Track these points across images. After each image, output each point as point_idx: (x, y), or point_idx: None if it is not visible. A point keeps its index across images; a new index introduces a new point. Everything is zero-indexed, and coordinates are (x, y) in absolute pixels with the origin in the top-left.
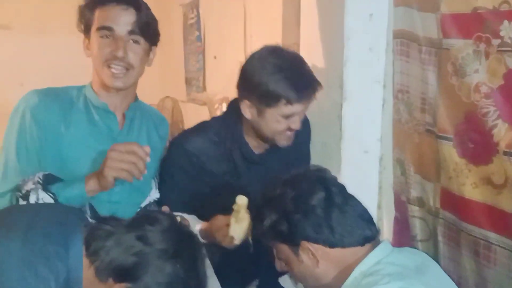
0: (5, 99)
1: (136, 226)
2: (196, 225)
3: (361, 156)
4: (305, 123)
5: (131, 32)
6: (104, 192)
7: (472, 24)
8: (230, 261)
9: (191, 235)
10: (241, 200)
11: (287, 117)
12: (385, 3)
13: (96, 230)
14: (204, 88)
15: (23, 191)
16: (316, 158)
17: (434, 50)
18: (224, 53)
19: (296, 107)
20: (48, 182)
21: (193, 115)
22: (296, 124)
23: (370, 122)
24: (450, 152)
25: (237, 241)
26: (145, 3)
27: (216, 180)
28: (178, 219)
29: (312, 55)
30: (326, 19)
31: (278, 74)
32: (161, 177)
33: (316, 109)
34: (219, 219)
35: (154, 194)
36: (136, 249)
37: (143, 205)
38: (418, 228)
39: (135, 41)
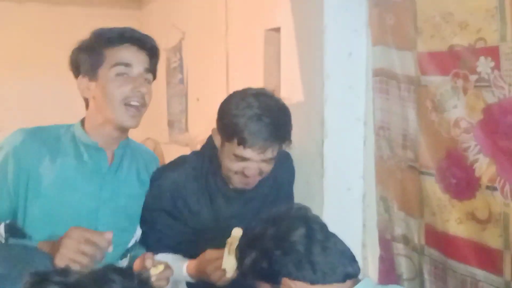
0: None
1: None
2: (183, 264)
3: (344, 194)
4: (288, 163)
5: (146, 71)
6: None
7: (449, 61)
8: None
9: None
10: (236, 233)
11: (240, 159)
12: (363, 42)
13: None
14: (187, 129)
15: None
16: (299, 196)
17: (413, 87)
18: (206, 95)
19: (248, 153)
20: (11, 233)
21: (175, 157)
22: (249, 171)
23: (352, 159)
24: (433, 187)
25: (229, 274)
26: (156, 45)
27: (194, 216)
28: (133, 282)
29: (293, 93)
30: (306, 59)
31: (243, 113)
32: (141, 216)
33: (297, 147)
34: (210, 253)
35: (139, 233)
36: None
37: (130, 244)
38: (403, 266)
39: (148, 80)
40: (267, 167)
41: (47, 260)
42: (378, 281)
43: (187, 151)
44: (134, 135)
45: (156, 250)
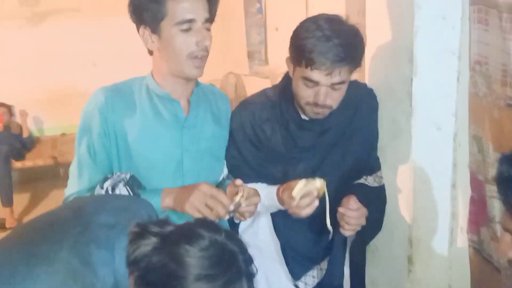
0: (79, 79)
1: (175, 244)
2: (267, 191)
3: (433, 133)
4: (369, 98)
5: (207, 20)
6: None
7: None
8: (295, 244)
9: (232, 255)
10: (321, 182)
11: (309, 83)
12: None
13: (138, 238)
14: (267, 61)
15: (107, 187)
16: (385, 136)
17: None
18: (286, 25)
19: (316, 74)
20: (132, 184)
21: (257, 89)
22: (319, 97)
23: (444, 97)
24: None
25: (295, 202)
26: None
27: (271, 144)
28: (220, 236)
29: (379, 25)
30: None
31: (312, 35)
32: (227, 148)
33: (384, 84)
34: (291, 182)
35: (225, 170)
36: (170, 270)
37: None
38: (496, 209)
39: (208, 29)
40: (337, 94)
41: (151, 210)
42: (469, 223)
43: (268, 83)
44: (216, 67)
45: (244, 177)
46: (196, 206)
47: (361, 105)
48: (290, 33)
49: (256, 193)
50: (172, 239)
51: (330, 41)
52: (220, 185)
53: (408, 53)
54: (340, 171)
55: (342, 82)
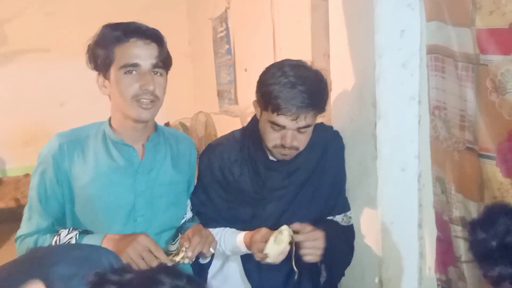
0: (46, 119)
1: None
2: (237, 236)
3: (398, 174)
4: (336, 140)
5: (155, 66)
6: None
7: (510, 39)
8: (266, 286)
9: None
10: (285, 227)
11: (276, 127)
12: (416, 18)
13: (98, 286)
14: (236, 101)
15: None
16: (353, 177)
17: (471, 66)
18: (254, 65)
19: (282, 120)
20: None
21: (226, 127)
22: (285, 140)
23: (407, 140)
24: (494, 171)
25: (270, 260)
26: (164, 37)
27: (239, 185)
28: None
29: (343, 70)
30: (356, 37)
31: (278, 81)
32: (194, 192)
33: (350, 127)
34: (260, 233)
35: (188, 214)
36: None
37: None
38: (462, 249)
39: (158, 74)
40: (303, 137)
41: (113, 258)
42: (436, 262)
43: (237, 122)
44: (186, 106)
45: (212, 222)
46: (131, 257)
47: (328, 146)
48: (259, 74)
49: (208, 240)
50: (132, 287)
51: (295, 88)
52: (180, 229)
53: (371, 97)
54: (309, 212)
55: (307, 126)
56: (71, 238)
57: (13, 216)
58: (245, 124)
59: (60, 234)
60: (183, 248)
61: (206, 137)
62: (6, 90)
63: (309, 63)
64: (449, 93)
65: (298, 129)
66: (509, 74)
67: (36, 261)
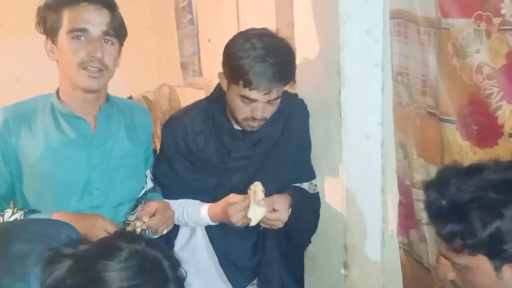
0: (1, 94)
1: (91, 262)
2: (202, 208)
3: (362, 141)
4: (301, 108)
5: (105, 33)
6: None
7: (471, 3)
8: (233, 256)
9: (154, 262)
10: (258, 185)
11: (246, 101)
12: None
13: (51, 263)
14: (200, 72)
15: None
16: (317, 146)
17: (433, 31)
18: (218, 36)
19: (254, 94)
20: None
21: (191, 100)
22: (256, 112)
23: (370, 107)
24: (454, 135)
25: (254, 223)
26: (116, 4)
27: (204, 155)
28: (140, 245)
29: (307, 38)
30: (320, 3)
31: (247, 55)
32: (157, 164)
33: (315, 95)
34: (233, 197)
35: (149, 184)
36: None
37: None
38: (423, 212)
39: (109, 42)
40: (272, 108)
41: (73, 231)
42: (398, 225)
43: (202, 94)
44: (149, 79)
45: (175, 194)
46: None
47: (292, 114)
48: (223, 44)
49: (163, 212)
50: (88, 257)
51: (266, 61)
52: (141, 200)
53: (336, 65)
54: (275, 180)
55: (278, 98)
56: (15, 219)
57: None
58: None
59: (4, 215)
60: (141, 221)
61: (170, 110)
62: None
63: (273, 31)
64: (411, 59)
65: (269, 101)
66: (469, 37)
67: None
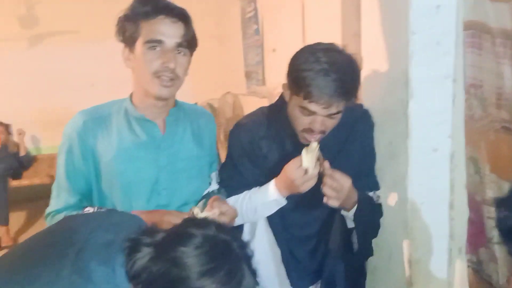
0: (77, 99)
1: (170, 249)
2: (268, 185)
3: (430, 154)
4: (365, 118)
5: (179, 45)
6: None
7: None
8: (296, 258)
9: (226, 245)
10: (314, 144)
11: (306, 113)
12: None
13: (133, 252)
14: (264, 81)
15: None
16: (382, 157)
17: (510, 42)
18: (283, 46)
19: (313, 107)
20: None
21: (254, 108)
22: (314, 124)
23: (440, 119)
24: None
25: (310, 170)
26: (190, 17)
27: (269, 162)
28: (211, 229)
29: (375, 49)
30: (389, 13)
31: (311, 68)
32: (224, 167)
33: (380, 106)
34: (291, 161)
35: (213, 186)
36: (173, 276)
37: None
38: (494, 230)
39: (181, 53)
40: (332, 122)
41: (143, 224)
42: (467, 243)
43: (265, 103)
44: (214, 87)
45: (239, 192)
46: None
47: (356, 125)
48: (287, 54)
49: (230, 212)
50: (165, 245)
51: (329, 75)
52: (205, 197)
53: (404, 76)
54: None
55: (338, 112)
56: (93, 211)
57: (48, 192)
58: None
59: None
60: (209, 213)
61: (234, 118)
62: (38, 70)
63: (341, 47)
64: (486, 71)
65: (329, 115)
66: None
67: (74, 228)
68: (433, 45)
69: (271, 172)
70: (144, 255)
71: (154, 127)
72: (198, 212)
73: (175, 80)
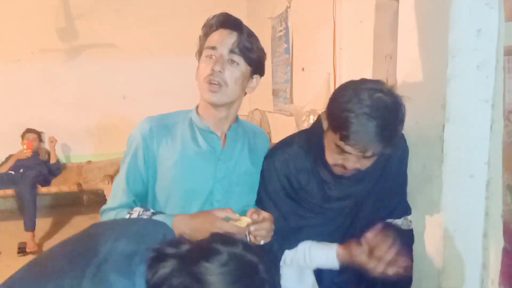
0: (109, 110)
1: (193, 263)
2: (331, 250)
3: (466, 180)
4: (401, 142)
5: (231, 51)
6: None
7: None
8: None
9: (252, 266)
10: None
11: (340, 151)
12: (495, 18)
13: (155, 262)
14: (291, 100)
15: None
16: (414, 180)
17: None
18: (312, 65)
19: (349, 149)
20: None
21: (280, 126)
22: (347, 163)
23: (477, 144)
24: None
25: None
26: (251, 32)
27: (307, 194)
28: (238, 248)
29: (411, 72)
30: (428, 35)
31: (352, 109)
32: (259, 198)
33: (414, 129)
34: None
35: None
36: None
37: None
38: None
39: (234, 62)
40: (366, 162)
41: (169, 232)
42: (501, 274)
43: (292, 121)
44: (242, 105)
45: (279, 231)
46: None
47: (394, 151)
48: (316, 73)
49: (268, 220)
50: (189, 258)
51: (370, 121)
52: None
53: (441, 99)
54: (373, 217)
55: (374, 155)
56: (120, 217)
57: (75, 200)
58: (300, 123)
59: (132, 213)
60: (248, 219)
61: None
62: (74, 82)
63: (388, 86)
64: None
65: (364, 157)
66: None
67: (97, 238)
68: (472, 69)
69: (311, 205)
70: (166, 266)
71: (217, 139)
72: (237, 216)
73: (223, 86)
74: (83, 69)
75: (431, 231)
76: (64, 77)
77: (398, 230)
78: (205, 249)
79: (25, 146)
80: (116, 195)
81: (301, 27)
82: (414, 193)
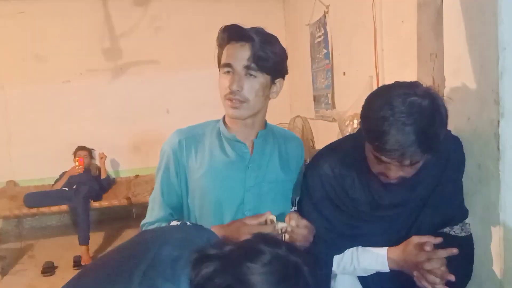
0: (154, 125)
1: (236, 263)
2: (380, 252)
3: None
4: (457, 148)
5: (247, 67)
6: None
7: None
8: None
9: (296, 267)
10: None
11: (380, 160)
12: None
13: (198, 263)
14: (333, 105)
15: None
16: (470, 181)
17: None
18: (353, 69)
19: (385, 159)
20: None
21: (323, 132)
22: (390, 172)
23: None
24: None
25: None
26: (265, 36)
27: (354, 204)
28: (281, 249)
29: (459, 68)
30: (475, 28)
31: (384, 117)
32: (301, 206)
33: (466, 127)
34: (417, 238)
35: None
36: None
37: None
38: None
39: (252, 75)
40: (410, 170)
41: (214, 237)
42: None
43: (334, 126)
44: (282, 111)
45: (324, 241)
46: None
47: (451, 156)
48: (358, 77)
49: (304, 226)
50: (232, 258)
51: (404, 129)
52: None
53: (494, 94)
54: (431, 225)
55: (415, 163)
56: (165, 225)
57: (125, 213)
58: (343, 128)
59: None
60: (286, 224)
61: (303, 142)
62: (120, 99)
63: (424, 87)
64: None
65: (404, 165)
66: None
67: (144, 245)
68: None
69: (359, 213)
70: (209, 266)
71: (244, 148)
72: (275, 220)
73: (244, 102)
74: (127, 86)
75: (490, 234)
76: (111, 95)
77: (458, 244)
78: (248, 249)
79: (77, 163)
80: (154, 209)
81: (340, 31)
82: (469, 195)
